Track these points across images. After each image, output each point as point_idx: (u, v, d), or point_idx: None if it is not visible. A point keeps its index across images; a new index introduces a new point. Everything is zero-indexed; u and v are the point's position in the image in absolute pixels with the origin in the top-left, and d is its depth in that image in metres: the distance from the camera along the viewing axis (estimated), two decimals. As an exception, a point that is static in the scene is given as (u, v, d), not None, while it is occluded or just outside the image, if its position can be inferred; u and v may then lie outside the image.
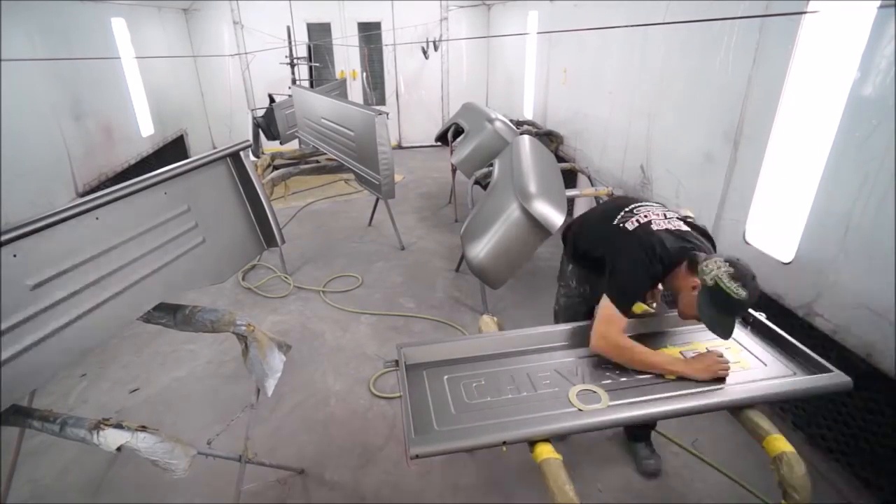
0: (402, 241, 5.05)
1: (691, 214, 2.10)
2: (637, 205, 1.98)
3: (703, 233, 1.93)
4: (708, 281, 1.60)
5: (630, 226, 1.86)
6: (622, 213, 1.94)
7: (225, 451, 2.01)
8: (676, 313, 2.01)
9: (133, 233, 1.72)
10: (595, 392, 1.62)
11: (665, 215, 1.91)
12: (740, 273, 1.57)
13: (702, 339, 1.89)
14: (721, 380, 1.65)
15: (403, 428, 1.47)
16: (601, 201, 4.32)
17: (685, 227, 1.87)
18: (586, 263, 2.15)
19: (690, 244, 1.79)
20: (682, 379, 1.66)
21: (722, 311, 1.62)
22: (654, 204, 2.01)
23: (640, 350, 1.72)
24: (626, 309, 1.77)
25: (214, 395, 3.03)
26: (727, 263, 1.60)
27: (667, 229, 1.83)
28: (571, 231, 2.27)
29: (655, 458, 2.43)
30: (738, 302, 1.56)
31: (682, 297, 1.78)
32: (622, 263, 1.80)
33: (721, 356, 1.69)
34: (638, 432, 2.49)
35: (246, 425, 2.09)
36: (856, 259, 2.19)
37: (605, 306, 1.76)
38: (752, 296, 1.57)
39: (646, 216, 1.88)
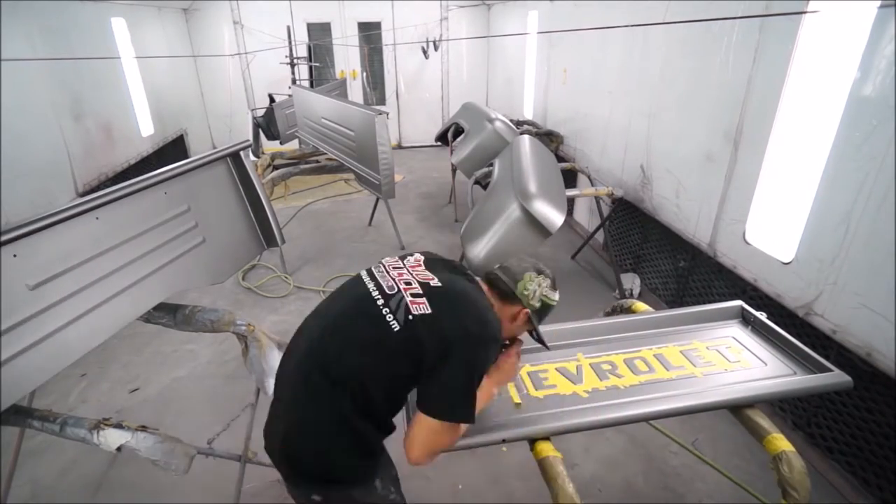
0: (402, 240, 5.05)
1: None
2: (365, 295, 1.31)
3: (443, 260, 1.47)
4: (535, 304, 1.38)
5: (419, 308, 1.24)
6: (380, 310, 1.26)
7: (225, 451, 2.01)
8: (674, 312, 2.02)
9: (133, 233, 1.72)
10: None
11: (404, 267, 1.38)
12: (552, 278, 1.42)
13: (702, 338, 1.89)
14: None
15: (404, 426, 1.46)
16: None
17: (434, 257, 1.44)
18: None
19: (460, 267, 1.44)
20: (684, 378, 1.66)
21: (542, 320, 1.45)
22: (377, 272, 1.39)
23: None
24: (466, 422, 1.28)
25: (214, 395, 3.03)
26: (540, 275, 1.39)
27: (452, 268, 1.41)
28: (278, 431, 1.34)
29: None
30: (554, 306, 1.43)
31: (504, 329, 1.39)
32: (457, 374, 1.23)
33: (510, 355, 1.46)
34: None
35: (246, 425, 2.09)
36: (856, 259, 2.19)
37: (437, 429, 1.26)
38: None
39: (406, 282, 1.31)
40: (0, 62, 3.58)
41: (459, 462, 2.46)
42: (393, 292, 1.29)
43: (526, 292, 1.37)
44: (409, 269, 1.37)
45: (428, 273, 1.35)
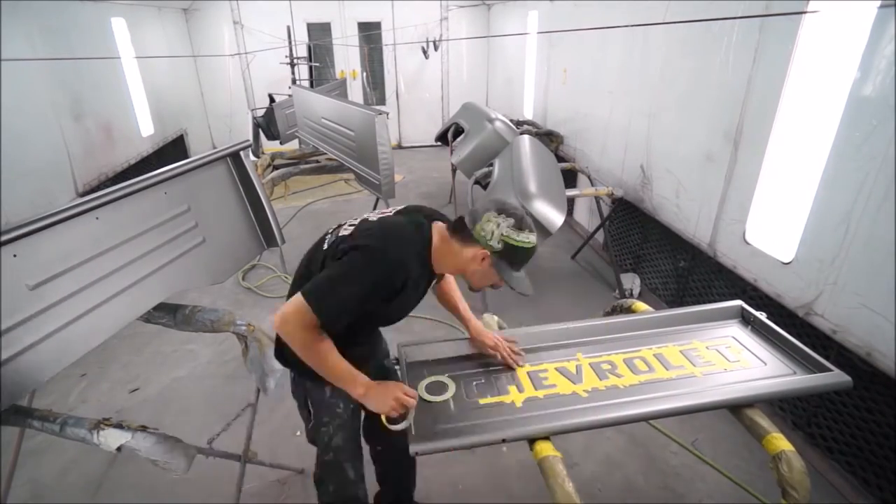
0: (402, 240, 5.04)
1: None
2: (340, 223, 1.54)
3: (424, 207, 1.60)
4: (495, 245, 1.35)
5: (345, 232, 1.44)
6: (328, 236, 1.52)
7: (225, 451, 2.01)
8: (674, 312, 2.02)
9: (133, 233, 1.72)
10: (444, 382, 1.66)
11: (374, 214, 1.53)
12: (520, 219, 1.37)
13: (702, 338, 1.89)
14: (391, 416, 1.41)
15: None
16: (602, 201, 4.32)
17: (401, 207, 1.57)
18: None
19: (426, 213, 1.53)
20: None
21: (518, 266, 1.42)
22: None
23: (327, 353, 1.38)
24: (324, 313, 1.30)
25: (214, 395, 3.03)
26: (500, 215, 1.36)
27: (387, 214, 1.50)
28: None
29: None
30: (532, 249, 1.39)
31: (468, 273, 1.47)
32: (338, 267, 1.34)
33: (408, 394, 1.42)
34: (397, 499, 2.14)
35: (246, 425, 2.09)
36: (856, 259, 2.19)
37: (298, 303, 1.30)
38: (539, 236, 1.41)
39: (354, 219, 1.50)
40: (0, 62, 3.58)
41: (459, 462, 2.46)
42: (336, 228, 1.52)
43: (483, 233, 1.36)
44: (376, 213, 1.53)
45: (384, 214, 1.50)
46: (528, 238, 1.37)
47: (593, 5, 4.68)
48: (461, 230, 1.41)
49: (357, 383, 1.41)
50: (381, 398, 1.40)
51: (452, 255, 1.44)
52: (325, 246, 1.47)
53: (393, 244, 1.37)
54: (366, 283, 1.32)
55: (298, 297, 1.31)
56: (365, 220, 1.47)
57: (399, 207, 1.57)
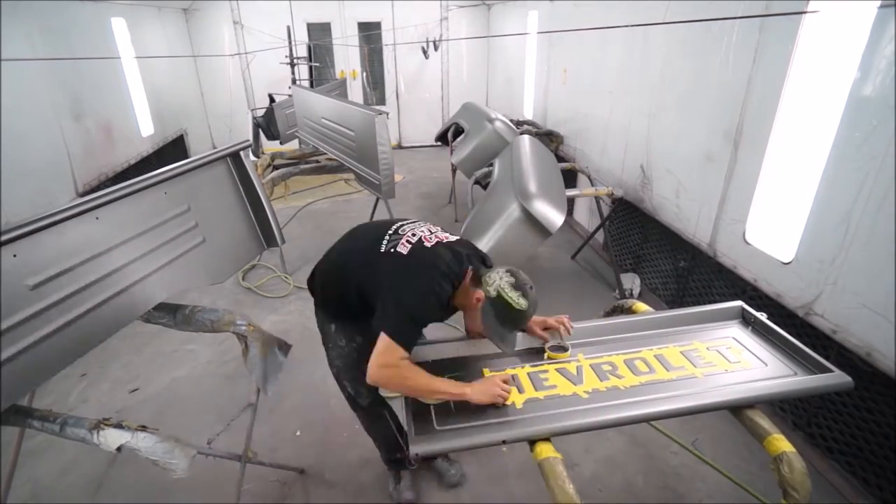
0: (402, 241, 5.03)
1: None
2: (399, 225, 1.78)
3: (469, 244, 1.79)
4: (491, 292, 1.58)
5: (403, 249, 1.65)
6: (388, 238, 1.71)
7: (225, 451, 2.01)
8: (674, 313, 2.02)
9: (133, 233, 1.72)
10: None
11: (430, 230, 1.77)
12: (520, 283, 1.57)
13: (702, 339, 1.89)
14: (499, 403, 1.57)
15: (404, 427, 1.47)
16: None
17: (453, 238, 1.77)
18: (351, 311, 1.82)
19: (467, 253, 1.70)
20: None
21: (505, 324, 1.62)
22: (416, 221, 1.85)
23: (423, 375, 1.56)
24: (409, 345, 1.57)
25: (214, 395, 3.03)
26: (508, 273, 1.59)
27: (439, 243, 1.69)
28: (317, 280, 1.95)
29: (456, 468, 2.39)
30: (519, 313, 1.57)
31: (468, 313, 1.75)
32: (402, 294, 1.58)
33: (505, 382, 1.58)
34: None
35: (246, 425, 2.09)
36: (856, 259, 2.19)
37: (384, 345, 1.53)
38: (532, 306, 1.58)
39: (413, 234, 1.71)
40: (0, 62, 3.58)
41: (459, 462, 2.45)
42: (396, 234, 1.72)
43: (488, 279, 1.61)
44: (427, 232, 1.74)
45: (436, 238, 1.70)
46: (519, 300, 1.56)
47: (593, 5, 4.68)
48: (478, 275, 1.66)
49: (460, 387, 1.56)
50: (484, 393, 1.55)
51: (465, 292, 1.67)
52: (382, 249, 1.69)
53: (440, 280, 1.60)
54: (427, 316, 1.62)
55: (385, 337, 1.53)
56: (420, 244, 1.67)
57: (455, 238, 1.77)
